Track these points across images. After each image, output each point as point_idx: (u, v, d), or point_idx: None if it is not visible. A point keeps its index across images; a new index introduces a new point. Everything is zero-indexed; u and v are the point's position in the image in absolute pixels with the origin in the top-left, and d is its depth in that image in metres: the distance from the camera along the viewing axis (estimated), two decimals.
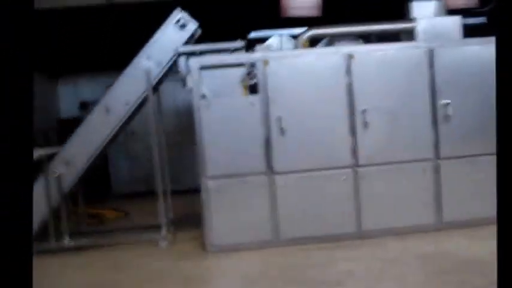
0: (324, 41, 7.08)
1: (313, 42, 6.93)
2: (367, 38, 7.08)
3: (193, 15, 6.88)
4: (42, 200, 6.69)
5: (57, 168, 6.79)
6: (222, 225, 6.40)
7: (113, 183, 10.67)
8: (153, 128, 6.86)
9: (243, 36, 7.05)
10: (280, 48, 6.76)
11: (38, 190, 6.71)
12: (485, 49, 6.44)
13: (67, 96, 12.17)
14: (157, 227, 6.97)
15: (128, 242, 7.01)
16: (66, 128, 8.23)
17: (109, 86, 9.89)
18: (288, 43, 6.91)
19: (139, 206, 9.15)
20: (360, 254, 6.01)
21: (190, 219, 7.70)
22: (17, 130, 2.26)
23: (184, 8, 6.87)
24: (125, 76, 6.84)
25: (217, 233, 6.41)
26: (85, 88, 11.75)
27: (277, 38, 6.92)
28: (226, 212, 6.41)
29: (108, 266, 6.28)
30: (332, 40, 6.98)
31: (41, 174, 6.78)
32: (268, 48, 6.74)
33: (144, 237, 7.03)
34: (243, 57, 6.43)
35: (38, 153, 6.48)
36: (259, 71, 6.31)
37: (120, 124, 6.86)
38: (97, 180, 9.15)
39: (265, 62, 6.28)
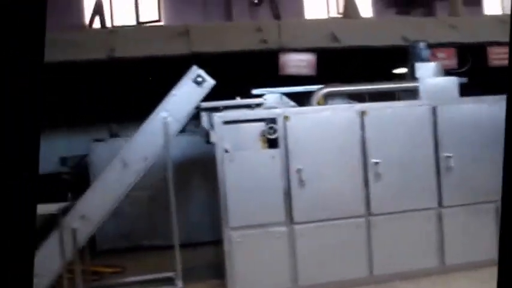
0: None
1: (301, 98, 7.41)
2: (360, 98, 7.61)
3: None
4: (56, 255, 6.61)
5: (72, 222, 6.73)
6: (244, 274, 6.59)
7: (97, 239, 10.29)
8: (170, 182, 6.99)
9: (244, 93, 7.38)
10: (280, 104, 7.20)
11: (52, 245, 6.63)
12: (479, 107, 7.16)
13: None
14: (167, 280, 7.05)
15: None
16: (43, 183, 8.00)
17: (97, 139, 9.91)
18: (285, 100, 7.36)
19: (129, 261, 9.00)
20: None
21: (195, 272, 7.77)
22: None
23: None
24: (143, 131, 6.95)
25: (239, 282, 6.58)
26: (62, 143, 11.41)
27: (274, 95, 7.36)
28: (248, 261, 6.61)
29: None
30: (326, 98, 7.43)
31: (56, 229, 6.70)
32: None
33: None
34: (264, 112, 6.78)
35: (52, 207, 6.43)
36: (279, 125, 6.66)
37: (138, 179, 6.93)
38: None
39: (286, 118, 6.65)
